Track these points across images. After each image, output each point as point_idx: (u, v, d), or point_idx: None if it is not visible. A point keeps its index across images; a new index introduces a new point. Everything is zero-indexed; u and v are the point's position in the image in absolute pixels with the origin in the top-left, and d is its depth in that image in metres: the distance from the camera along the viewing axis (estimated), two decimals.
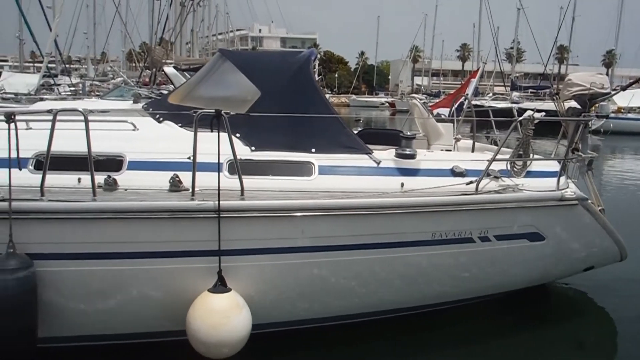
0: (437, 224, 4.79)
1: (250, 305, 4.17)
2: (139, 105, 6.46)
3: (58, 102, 11.37)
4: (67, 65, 29.64)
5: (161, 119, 5.09)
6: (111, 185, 4.39)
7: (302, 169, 4.75)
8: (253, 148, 4.74)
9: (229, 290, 4.13)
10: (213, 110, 4.16)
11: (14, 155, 3.92)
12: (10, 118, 3.90)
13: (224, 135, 4.18)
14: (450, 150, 6.55)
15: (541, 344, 5.25)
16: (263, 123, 4.81)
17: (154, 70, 13.89)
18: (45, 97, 17.07)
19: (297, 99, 5.09)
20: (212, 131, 4.25)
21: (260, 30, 76.47)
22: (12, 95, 19.34)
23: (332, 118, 5.10)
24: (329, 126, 5.05)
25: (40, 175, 4.19)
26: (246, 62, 5.55)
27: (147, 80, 26.02)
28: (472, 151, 6.23)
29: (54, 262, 4.01)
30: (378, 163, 4.93)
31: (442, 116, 7.63)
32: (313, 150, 4.85)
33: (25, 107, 8.58)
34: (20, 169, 4.08)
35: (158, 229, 4.13)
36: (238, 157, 4.31)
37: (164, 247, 4.19)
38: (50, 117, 4.04)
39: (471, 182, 4.93)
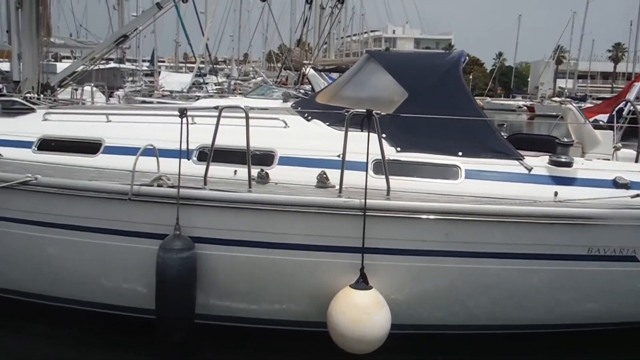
0: (595, 238, 4.42)
1: (390, 305, 4.19)
2: (288, 104, 6.80)
3: (213, 100, 12.34)
4: (214, 66, 32.02)
5: (310, 117, 5.31)
6: (264, 178, 4.68)
7: (448, 172, 4.68)
8: (399, 149, 4.75)
9: (370, 287, 4.18)
10: (364, 110, 4.23)
11: (184, 147, 4.34)
12: (183, 113, 4.32)
13: (370, 135, 4.24)
14: (608, 160, 6.00)
15: None
16: (409, 124, 4.81)
17: (301, 71, 14.45)
18: (198, 94, 18.61)
19: (445, 101, 5.02)
20: (362, 130, 4.32)
21: (394, 31, 76.40)
22: (168, 93, 21.39)
23: (481, 121, 4.95)
24: (478, 130, 4.91)
25: (202, 166, 4.60)
26: (393, 63, 5.58)
27: (284, 79, 27.29)
28: (637, 161, 5.66)
29: (211, 246, 4.37)
30: (529, 170, 4.69)
31: (600, 122, 7.01)
32: (460, 153, 4.76)
33: (188, 104, 9.39)
34: (188, 159, 4.51)
35: (305, 222, 4.30)
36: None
37: (310, 240, 4.35)
38: (214, 113, 4.40)
39: (638, 195, 4.49)
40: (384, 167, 4.30)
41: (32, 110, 5.90)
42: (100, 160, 5.14)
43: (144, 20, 7.39)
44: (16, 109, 5.82)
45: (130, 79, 25.08)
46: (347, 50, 46.65)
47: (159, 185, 4.39)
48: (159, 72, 28.53)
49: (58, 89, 7.19)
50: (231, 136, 4.52)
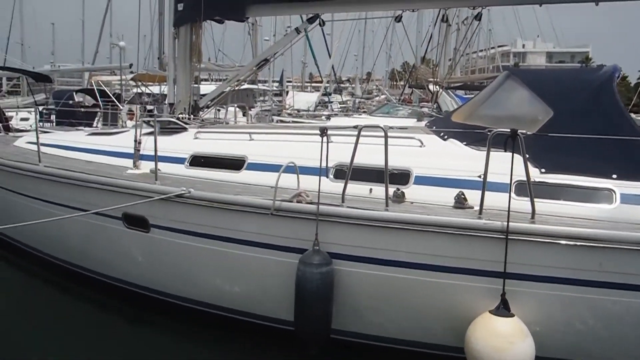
0: None
1: (533, 335, 3.95)
2: (422, 123, 6.78)
3: (346, 119, 12.69)
4: (339, 85, 32.84)
5: (446, 136, 5.23)
6: (399, 197, 4.69)
7: (601, 195, 4.34)
8: (543, 170, 4.51)
9: (512, 315, 3.98)
10: (507, 130, 4.09)
11: (323, 165, 4.50)
12: (323, 132, 4.48)
13: (510, 155, 4.07)
14: None
15: None
16: (555, 144, 4.55)
17: (436, 90, 14.36)
18: (324, 113, 19.16)
19: (596, 119, 4.68)
20: (505, 150, 4.17)
21: (523, 46, 72.78)
22: (296, 111, 22.30)
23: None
24: (636, 150, 4.49)
25: (339, 183, 4.73)
26: (537, 80, 5.34)
27: (407, 97, 27.17)
28: None
29: (348, 263, 4.46)
30: None
31: None
32: (614, 176, 4.39)
33: (322, 123, 9.73)
34: (327, 177, 4.66)
35: (442, 243, 4.23)
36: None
37: (447, 262, 4.27)
38: (352, 132, 4.51)
39: None
40: (528, 188, 4.10)
41: (185, 129, 6.50)
42: (244, 176, 5.49)
43: (284, 44, 7.83)
44: (172, 128, 6.44)
45: (261, 98, 26.55)
46: (473, 67, 45.33)
47: (298, 202, 4.59)
48: (287, 92, 29.88)
49: (205, 109, 7.84)
50: (367, 155, 4.60)
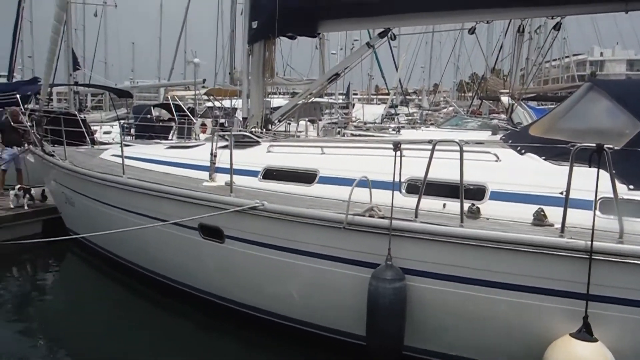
0: None
1: None
2: (497, 137, 6.61)
3: (418, 132, 12.59)
4: (405, 97, 32.59)
5: (523, 151, 5.07)
6: (474, 213, 4.58)
7: None
8: (632, 187, 4.26)
9: (595, 339, 3.78)
10: (592, 144, 3.90)
11: (397, 179, 4.47)
12: (397, 147, 4.47)
13: (594, 171, 3.87)
14: None
15: None
16: None
17: (511, 103, 13.95)
18: (391, 125, 19.06)
19: None
20: (589, 166, 3.99)
21: (601, 54, 69.23)
22: (362, 124, 22.31)
23: None
24: None
25: (410, 198, 4.69)
26: (622, 91, 5.07)
27: (477, 109, 26.52)
28: None
29: (421, 279, 4.40)
30: None
31: None
32: None
33: (391, 136, 9.70)
34: (400, 192, 4.63)
35: (521, 262, 4.09)
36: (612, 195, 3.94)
37: (525, 281, 4.12)
38: (424, 146, 4.47)
39: None
40: (615, 206, 3.89)
41: (258, 143, 6.67)
42: (315, 189, 5.56)
43: (354, 59, 7.89)
44: (245, 141, 6.63)
45: (327, 111, 26.77)
46: (546, 77, 43.62)
47: (370, 216, 4.58)
48: (353, 105, 29.97)
49: (277, 123, 8.02)
50: (441, 169, 4.54)
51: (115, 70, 41.23)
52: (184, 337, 5.72)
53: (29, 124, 9.59)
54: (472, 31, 7.60)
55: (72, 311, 6.73)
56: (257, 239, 5.25)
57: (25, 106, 11.02)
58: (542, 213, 4.34)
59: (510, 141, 5.50)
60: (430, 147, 4.40)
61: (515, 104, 14.12)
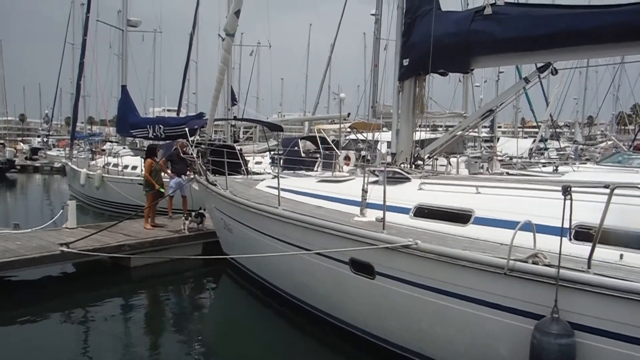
0: None
1: None
2: None
3: (569, 169, 11.70)
4: (556, 130, 30.48)
5: None
6: None
7: None
8: None
9: None
10: None
11: (565, 225, 4.14)
12: (567, 191, 4.15)
13: None
14: None
15: None
16: None
17: None
18: (541, 161, 17.86)
19: None
20: None
21: None
22: (508, 158, 21.25)
23: None
24: None
25: (578, 245, 4.32)
26: None
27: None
28: None
29: (594, 337, 3.98)
30: None
31: None
32: None
33: (554, 177, 9.12)
34: (569, 239, 4.29)
35: None
36: None
37: None
38: (604, 191, 4.09)
39: None
40: None
41: (408, 179, 6.65)
42: (470, 230, 5.36)
43: (510, 94, 7.57)
44: (396, 178, 6.65)
45: (471, 144, 25.94)
46: None
47: (534, 263, 4.30)
48: (498, 138, 28.70)
49: (426, 159, 7.95)
50: (615, 215, 4.12)
51: (266, 104, 44.41)
52: None
53: (195, 155, 10.60)
54: None
55: (224, 325, 7.58)
56: (409, 277, 5.19)
57: (192, 138, 12.20)
58: None
59: None
60: (605, 191, 4.03)
61: None
